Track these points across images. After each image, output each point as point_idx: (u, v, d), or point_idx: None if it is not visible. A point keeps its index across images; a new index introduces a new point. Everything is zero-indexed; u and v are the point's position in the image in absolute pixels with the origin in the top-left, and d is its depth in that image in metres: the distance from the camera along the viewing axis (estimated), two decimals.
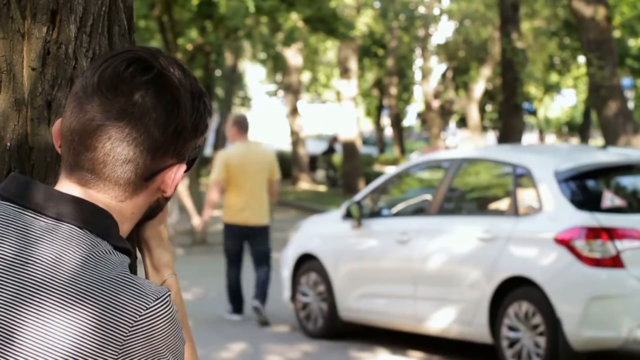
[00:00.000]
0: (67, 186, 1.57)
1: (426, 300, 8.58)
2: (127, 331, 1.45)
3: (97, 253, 1.51)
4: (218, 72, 37.13)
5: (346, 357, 8.78)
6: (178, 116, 1.56)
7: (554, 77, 31.79)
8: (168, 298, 1.51)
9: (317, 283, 9.66)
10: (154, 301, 1.48)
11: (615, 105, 14.11)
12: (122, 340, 1.45)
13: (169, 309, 1.50)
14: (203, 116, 1.61)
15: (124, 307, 1.46)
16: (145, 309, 1.47)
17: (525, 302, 7.78)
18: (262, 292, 10.16)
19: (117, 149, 1.53)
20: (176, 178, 1.60)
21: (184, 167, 1.61)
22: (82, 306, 1.45)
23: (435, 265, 8.53)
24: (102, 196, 1.56)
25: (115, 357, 1.45)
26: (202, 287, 12.19)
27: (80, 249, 1.50)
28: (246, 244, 10.26)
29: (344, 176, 27.52)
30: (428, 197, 9.13)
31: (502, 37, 24.32)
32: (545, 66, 30.92)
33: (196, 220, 10.58)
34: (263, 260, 10.16)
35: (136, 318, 1.46)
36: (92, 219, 1.54)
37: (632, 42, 26.81)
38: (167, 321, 1.49)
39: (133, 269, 1.77)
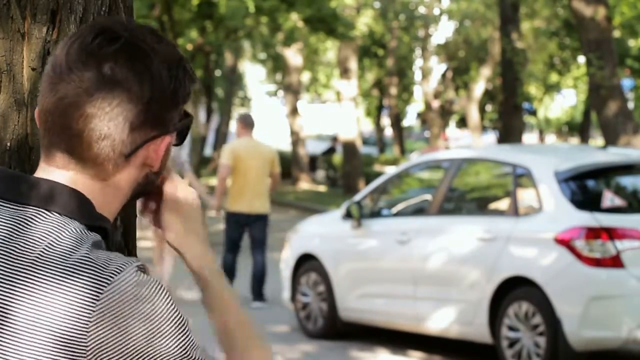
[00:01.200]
0: (44, 170, 1.50)
1: (426, 300, 8.57)
2: (89, 317, 1.36)
3: (63, 234, 1.43)
4: (218, 72, 37.14)
5: (346, 357, 8.78)
6: (152, 85, 1.47)
7: (554, 77, 31.75)
8: (133, 271, 1.39)
9: (317, 283, 9.66)
10: (116, 275, 1.38)
11: (615, 105, 14.10)
12: (86, 328, 1.36)
13: (135, 281, 1.38)
14: (182, 83, 1.51)
15: (83, 290, 1.37)
16: (107, 284, 1.37)
17: (525, 302, 7.78)
18: (258, 288, 10.85)
19: (90, 125, 1.45)
20: (160, 150, 1.51)
21: (169, 138, 1.52)
22: (49, 288, 1.38)
23: (435, 265, 8.53)
24: (81, 176, 1.48)
25: (85, 349, 1.37)
26: None
27: (47, 232, 1.43)
28: (246, 232, 10.96)
29: (344, 176, 27.49)
30: (428, 197, 9.13)
31: (502, 37, 24.31)
32: (545, 66, 30.88)
33: (212, 201, 10.96)
34: (260, 245, 10.91)
35: (97, 300, 1.37)
36: (61, 201, 1.46)
37: (632, 42, 26.77)
38: (133, 295, 1.38)
39: (123, 250, 1.75)
